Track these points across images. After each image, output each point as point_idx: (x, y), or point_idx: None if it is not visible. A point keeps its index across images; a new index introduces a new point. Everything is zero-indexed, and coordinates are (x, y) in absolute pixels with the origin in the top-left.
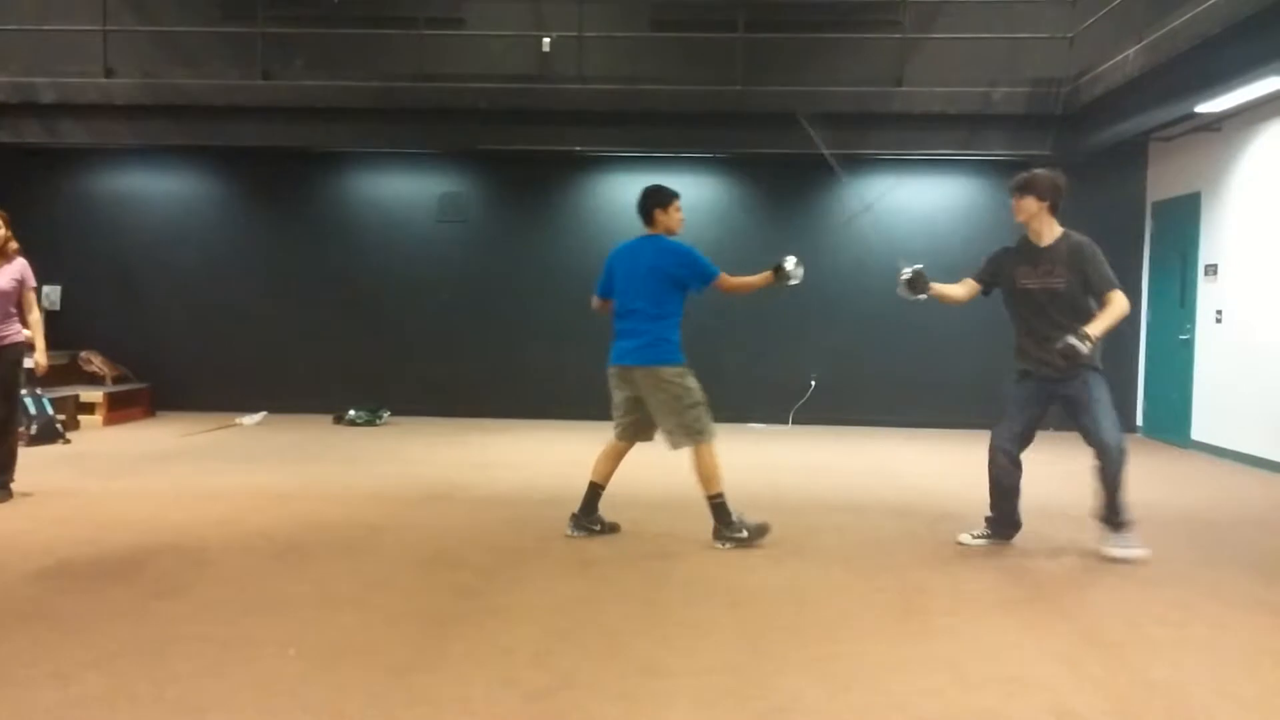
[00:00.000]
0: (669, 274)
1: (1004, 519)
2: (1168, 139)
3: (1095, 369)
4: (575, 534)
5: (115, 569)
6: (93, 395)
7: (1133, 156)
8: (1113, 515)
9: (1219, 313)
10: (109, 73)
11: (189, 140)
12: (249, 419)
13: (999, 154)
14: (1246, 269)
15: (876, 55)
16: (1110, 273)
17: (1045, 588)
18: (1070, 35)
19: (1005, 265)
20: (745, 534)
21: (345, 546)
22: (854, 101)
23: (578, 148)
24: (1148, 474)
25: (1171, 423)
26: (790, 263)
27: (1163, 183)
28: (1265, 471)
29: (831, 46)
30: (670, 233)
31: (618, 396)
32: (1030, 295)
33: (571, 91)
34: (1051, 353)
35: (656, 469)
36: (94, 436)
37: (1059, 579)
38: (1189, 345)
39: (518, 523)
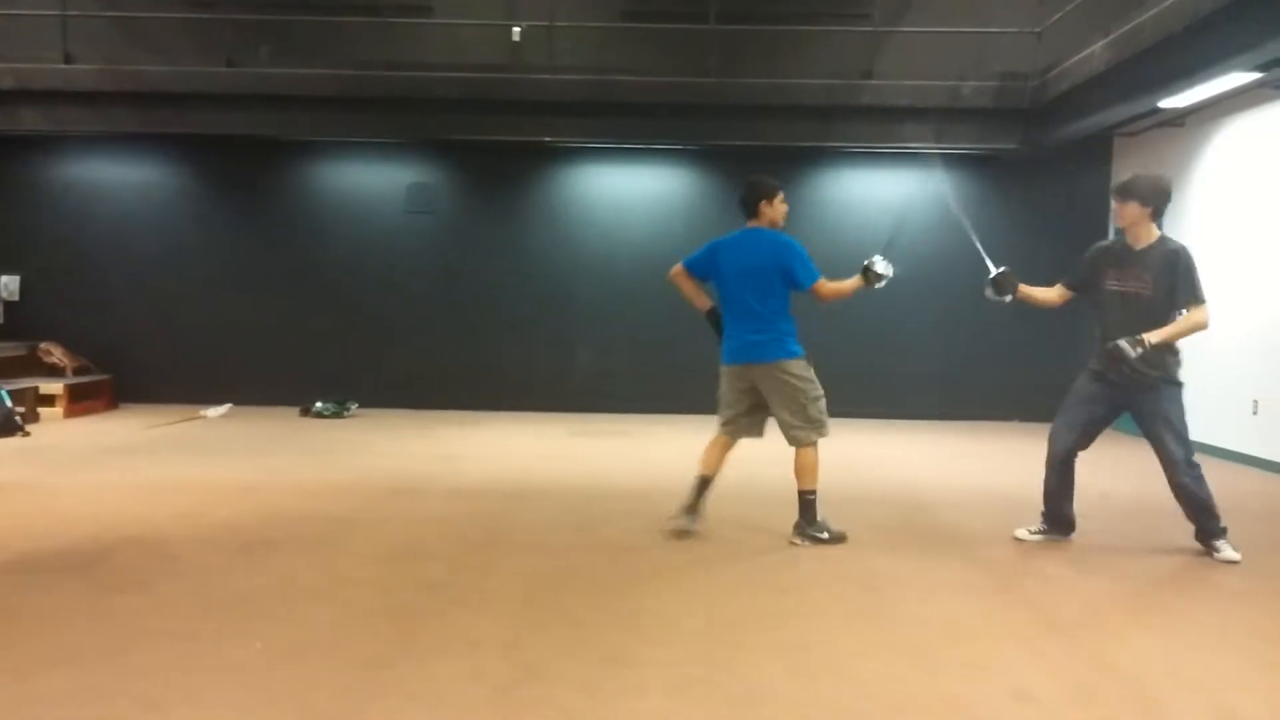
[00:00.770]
0: (783, 269)
1: (1054, 516)
2: (1132, 134)
3: (1171, 381)
4: (687, 526)
5: (77, 563)
6: (53, 387)
7: (1098, 151)
8: (1202, 524)
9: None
10: (69, 59)
11: (151, 128)
12: (213, 411)
13: (967, 147)
14: (1206, 263)
15: (846, 48)
16: (1199, 285)
17: (1009, 575)
18: (1038, 30)
19: (1098, 263)
20: (826, 536)
21: (312, 540)
22: (824, 94)
23: (548, 138)
24: (1107, 464)
25: None
26: (880, 264)
27: (1127, 177)
28: (1222, 460)
29: (802, 39)
30: (774, 225)
31: (732, 395)
32: (1115, 297)
33: (542, 81)
34: (1125, 358)
35: (624, 460)
36: (54, 429)
37: (1022, 567)
38: None
39: (486, 515)
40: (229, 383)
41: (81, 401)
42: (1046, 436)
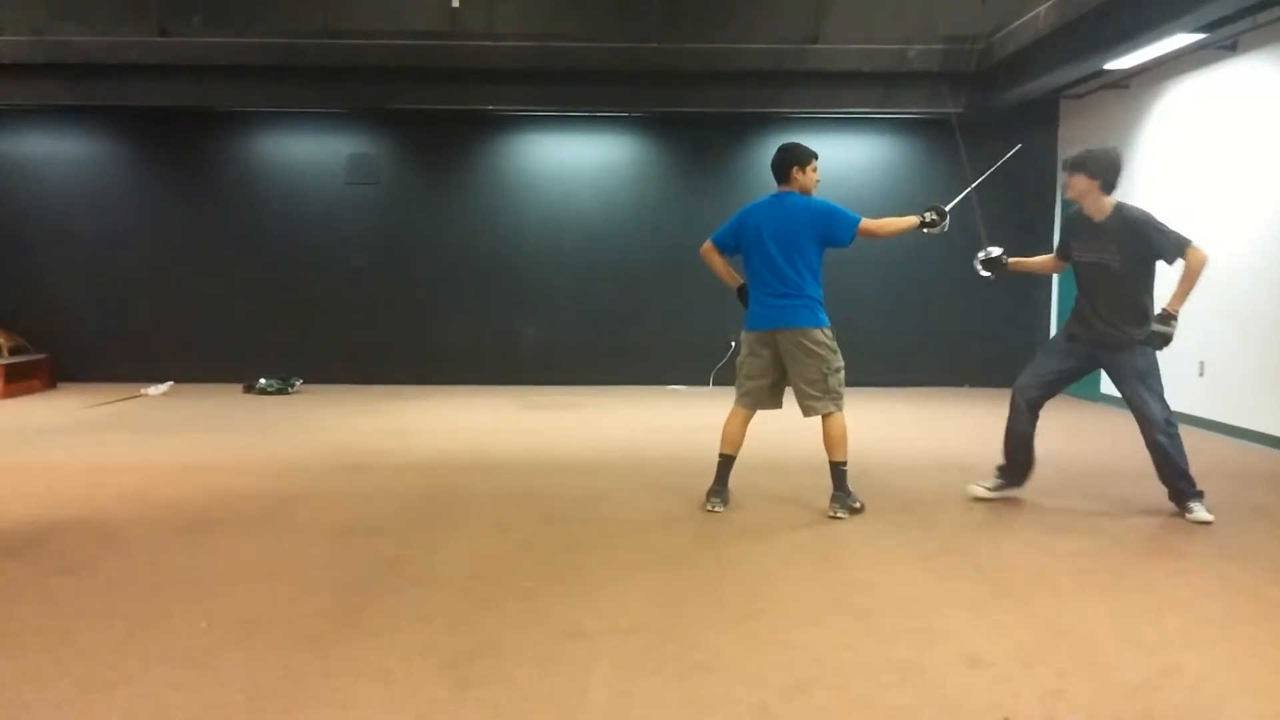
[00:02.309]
0: (817, 232)
1: (1014, 466)
2: (1078, 96)
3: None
4: (718, 509)
5: (15, 545)
6: None
7: (1044, 114)
8: (1175, 485)
9: None
10: None
11: (82, 100)
12: (154, 389)
13: (914, 111)
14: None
15: (792, 12)
16: (1176, 233)
17: (958, 540)
18: None
19: (1066, 233)
20: (860, 506)
21: (257, 518)
22: (770, 59)
23: (490, 107)
24: (1056, 427)
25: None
26: (934, 216)
27: (1074, 140)
28: None
29: (747, 3)
30: (806, 192)
31: (753, 363)
32: (1084, 268)
33: (483, 49)
34: (1104, 325)
35: (574, 433)
36: None
37: (972, 531)
38: None
39: (435, 490)
40: (170, 360)
41: (19, 382)
42: (1005, 399)
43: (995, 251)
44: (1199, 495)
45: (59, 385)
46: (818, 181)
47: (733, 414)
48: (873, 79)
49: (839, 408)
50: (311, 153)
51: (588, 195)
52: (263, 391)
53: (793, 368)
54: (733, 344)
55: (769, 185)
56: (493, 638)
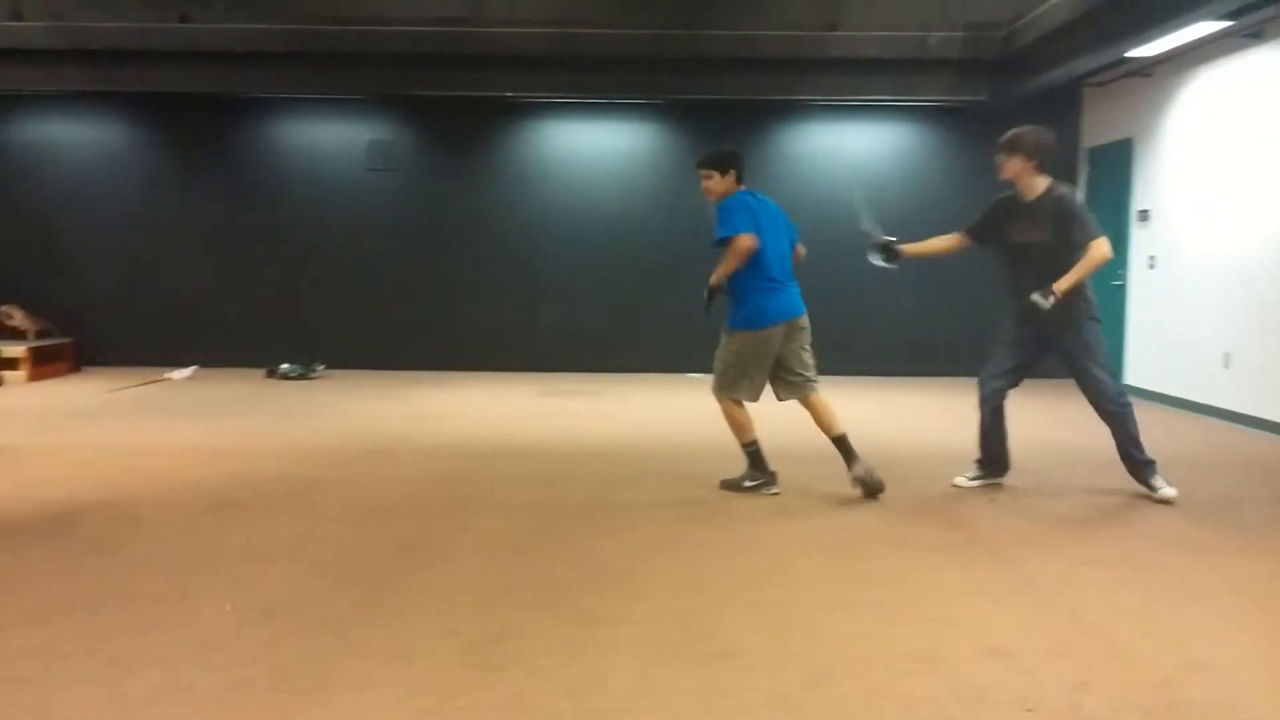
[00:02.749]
0: (789, 229)
1: (990, 459)
2: (1101, 84)
3: (1091, 318)
4: (776, 491)
5: (44, 526)
6: (15, 350)
7: (1067, 102)
8: (1131, 454)
9: (1151, 258)
10: (16, 15)
11: (103, 86)
12: (178, 373)
13: (935, 99)
14: (1178, 215)
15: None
16: (1091, 223)
17: (980, 530)
18: None
19: (1000, 217)
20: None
21: (281, 501)
22: (790, 46)
23: (510, 93)
24: (1080, 418)
25: None
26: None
27: (1096, 128)
28: (1194, 414)
29: None
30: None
31: (768, 356)
32: (1017, 249)
33: (503, 35)
34: (1039, 311)
35: (593, 420)
36: (18, 392)
37: (993, 522)
38: (1121, 290)
39: (456, 475)
40: (193, 345)
41: (45, 365)
42: (1032, 389)
43: (885, 239)
44: (1152, 464)
45: (84, 369)
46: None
47: (736, 407)
48: (893, 67)
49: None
50: (332, 139)
51: (607, 182)
52: (285, 376)
53: (794, 352)
54: None
55: (791, 174)
56: (514, 622)
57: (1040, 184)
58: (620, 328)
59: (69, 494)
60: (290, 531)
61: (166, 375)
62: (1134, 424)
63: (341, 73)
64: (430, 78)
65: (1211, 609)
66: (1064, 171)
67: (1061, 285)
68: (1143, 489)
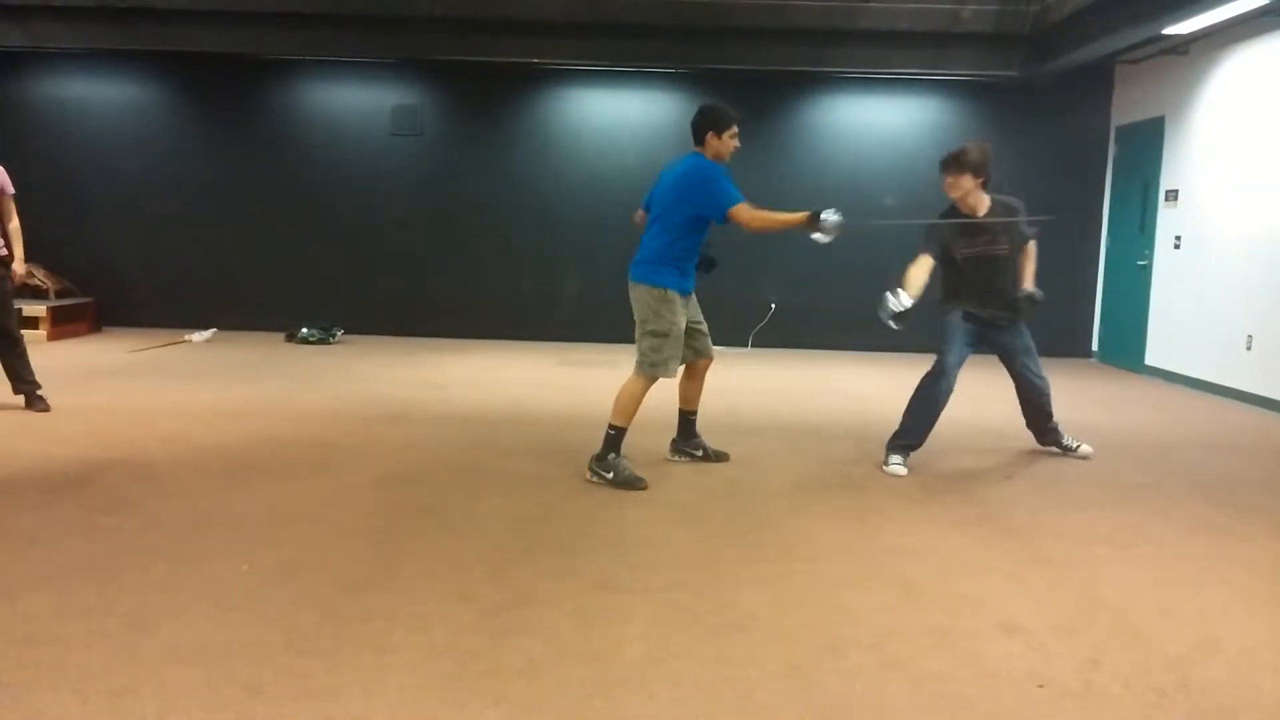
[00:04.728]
0: (684, 195)
1: (919, 430)
2: (1134, 61)
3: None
4: (676, 458)
5: (63, 485)
6: (36, 309)
7: (1099, 79)
8: (1044, 427)
9: (1178, 238)
10: None
11: (130, 45)
12: (198, 336)
13: (966, 74)
14: (1207, 195)
15: None
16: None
17: (996, 508)
18: None
19: (945, 239)
20: (612, 475)
21: (299, 464)
22: (821, 17)
23: (536, 60)
24: (1101, 398)
25: (1126, 348)
26: (830, 215)
27: (1127, 106)
28: (1215, 396)
29: None
30: (719, 158)
31: (682, 322)
32: (970, 262)
33: (531, 1)
34: (997, 309)
35: (612, 390)
36: (38, 351)
37: (1010, 500)
38: (1147, 271)
39: (473, 442)
40: (213, 307)
41: (65, 324)
42: (1053, 369)
43: (907, 303)
44: (1061, 431)
45: (104, 329)
46: (735, 149)
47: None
48: (924, 39)
49: (646, 375)
50: (357, 103)
51: (632, 152)
52: (304, 341)
53: (695, 317)
54: (773, 306)
55: (818, 146)
56: (529, 588)
57: (986, 200)
58: None
59: (87, 454)
60: (308, 494)
61: (186, 337)
62: (1050, 402)
63: (368, 36)
64: (456, 43)
65: (1227, 590)
66: (1093, 150)
67: (1030, 283)
68: (1059, 451)
